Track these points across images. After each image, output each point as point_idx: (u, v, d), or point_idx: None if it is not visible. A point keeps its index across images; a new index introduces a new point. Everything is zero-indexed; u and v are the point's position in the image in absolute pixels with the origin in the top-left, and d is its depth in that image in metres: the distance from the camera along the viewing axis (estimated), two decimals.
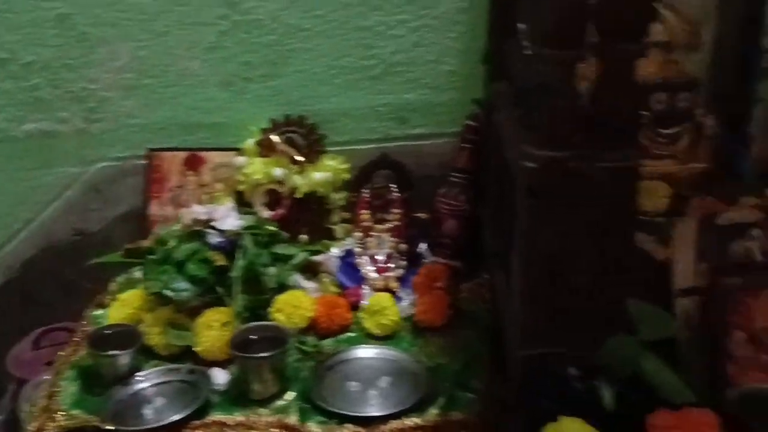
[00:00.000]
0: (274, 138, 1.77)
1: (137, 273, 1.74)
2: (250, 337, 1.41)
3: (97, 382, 1.41)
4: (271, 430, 1.28)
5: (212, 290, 1.51)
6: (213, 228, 1.54)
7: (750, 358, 1.16)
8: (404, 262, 1.74)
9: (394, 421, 1.29)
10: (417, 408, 1.31)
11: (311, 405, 1.33)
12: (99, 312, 1.64)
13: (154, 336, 1.48)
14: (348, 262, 1.75)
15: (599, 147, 1.13)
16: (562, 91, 1.10)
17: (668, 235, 1.20)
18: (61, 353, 1.53)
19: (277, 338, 1.40)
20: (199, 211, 1.55)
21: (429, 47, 1.79)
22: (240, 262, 1.51)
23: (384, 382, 1.38)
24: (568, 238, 1.17)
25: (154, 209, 1.86)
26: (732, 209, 1.17)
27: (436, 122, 1.86)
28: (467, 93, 1.81)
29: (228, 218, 1.54)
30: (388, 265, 1.73)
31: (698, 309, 1.18)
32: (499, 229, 1.55)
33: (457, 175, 1.78)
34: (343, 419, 1.29)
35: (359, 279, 1.70)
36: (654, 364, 1.04)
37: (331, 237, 1.83)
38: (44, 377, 1.60)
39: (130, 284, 1.72)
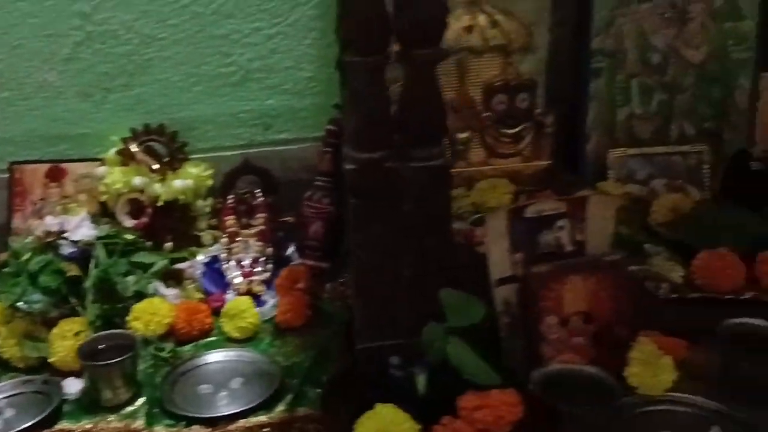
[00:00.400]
0: (133, 147, 1.78)
1: None
2: (99, 345, 1.42)
3: None
4: None
5: (67, 301, 1.52)
6: (65, 239, 1.54)
7: (562, 341, 1.25)
8: (271, 266, 1.78)
9: (241, 420, 1.32)
10: (265, 406, 1.35)
11: (161, 409, 1.36)
12: None
13: (10, 348, 1.48)
14: (214, 268, 1.77)
15: (411, 148, 1.19)
16: (371, 95, 1.17)
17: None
18: None
19: (125, 345, 1.42)
20: (51, 222, 1.56)
21: (286, 54, 1.85)
22: (93, 272, 1.52)
23: (236, 383, 1.42)
24: (391, 234, 1.24)
25: (18, 222, 1.85)
26: (538, 202, 1.26)
27: (300, 127, 1.91)
28: (328, 98, 1.87)
29: (81, 228, 1.56)
30: (255, 269, 1.77)
31: (515, 296, 1.27)
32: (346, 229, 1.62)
33: (321, 178, 1.83)
34: (191, 421, 1.32)
35: (224, 285, 1.74)
36: (459, 349, 1.11)
37: (199, 244, 1.85)
38: None
39: None
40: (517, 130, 1.74)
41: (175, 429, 1.32)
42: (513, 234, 1.27)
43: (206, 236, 1.87)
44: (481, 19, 1.71)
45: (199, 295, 1.70)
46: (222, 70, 1.85)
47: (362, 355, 1.30)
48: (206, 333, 1.60)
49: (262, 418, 1.33)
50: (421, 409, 1.11)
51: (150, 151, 1.81)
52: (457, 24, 1.69)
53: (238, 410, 1.34)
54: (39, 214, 1.85)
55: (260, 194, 1.84)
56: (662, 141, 1.78)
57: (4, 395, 1.42)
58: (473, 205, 1.69)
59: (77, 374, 1.46)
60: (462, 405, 1.09)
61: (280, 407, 1.36)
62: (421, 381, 1.13)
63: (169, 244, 1.81)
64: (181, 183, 1.79)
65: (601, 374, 1.18)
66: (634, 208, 1.63)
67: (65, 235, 1.56)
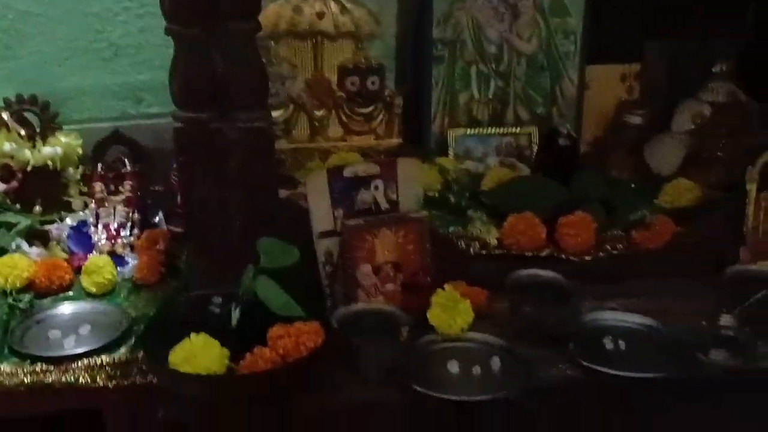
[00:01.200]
0: (5, 116, 1.88)
1: None
2: None
3: None
4: None
5: None
6: None
7: (375, 287, 1.42)
8: (137, 231, 1.89)
9: (85, 359, 1.44)
10: (109, 349, 1.47)
11: (9, 350, 1.46)
12: None
13: None
14: (81, 232, 1.88)
15: (235, 111, 1.34)
16: (194, 63, 1.30)
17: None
18: None
19: None
20: None
21: (154, 32, 1.96)
22: None
23: (84, 329, 1.53)
24: (218, 191, 1.38)
25: None
26: (355, 164, 1.42)
27: (170, 101, 2.02)
28: None
29: None
30: (120, 233, 1.88)
31: (336, 248, 1.43)
32: None
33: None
34: (35, 359, 1.43)
35: (87, 247, 1.84)
36: (267, 286, 1.26)
37: (69, 209, 1.95)
38: None
39: None
40: (369, 109, 1.91)
41: (19, 366, 1.42)
42: (333, 192, 1.43)
43: (76, 202, 1.97)
44: (333, 6, 1.87)
45: (64, 255, 1.80)
46: (94, 45, 1.96)
47: (192, 302, 1.43)
48: (66, 288, 1.70)
49: (104, 358, 1.45)
50: (236, 341, 1.25)
51: (22, 120, 1.90)
52: (310, 10, 1.84)
53: (81, 351, 1.45)
54: None
55: (128, 164, 1.95)
56: (499, 123, 1.97)
57: None
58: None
59: None
60: (270, 335, 1.24)
61: (122, 349, 1.48)
62: (234, 315, 1.27)
63: (38, 208, 1.90)
64: (50, 150, 1.89)
65: (393, 310, 1.34)
66: (468, 179, 1.81)
67: None
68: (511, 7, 1.92)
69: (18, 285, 1.64)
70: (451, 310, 1.40)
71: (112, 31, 1.95)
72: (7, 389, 1.41)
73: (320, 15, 1.83)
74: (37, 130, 1.93)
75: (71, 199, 1.97)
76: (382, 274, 1.44)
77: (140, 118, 2.04)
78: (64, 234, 1.86)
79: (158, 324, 1.38)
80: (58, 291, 1.70)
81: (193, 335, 1.22)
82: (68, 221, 1.90)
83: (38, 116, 1.94)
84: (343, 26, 1.86)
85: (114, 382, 1.44)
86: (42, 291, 1.68)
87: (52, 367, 1.43)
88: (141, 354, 1.47)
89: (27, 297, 1.64)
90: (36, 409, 1.45)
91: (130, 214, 1.91)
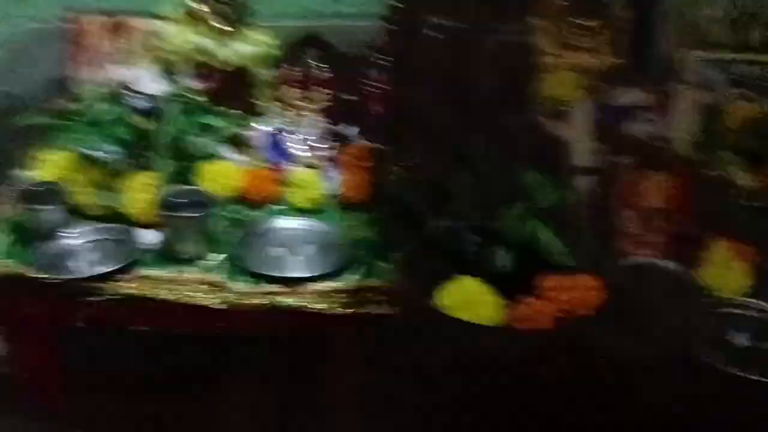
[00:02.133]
0: (201, 7, 1.75)
1: (62, 135, 1.74)
2: (178, 200, 1.45)
3: (28, 236, 1.44)
4: (199, 286, 1.35)
5: (137, 154, 1.53)
6: (137, 92, 1.54)
7: (638, 235, 1.29)
8: (333, 142, 1.78)
9: (316, 284, 1.37)
10: (337, 274, 1.39)
11: (238, 267, 1.40)
12: (27, 172, 1.64)
13: (82, 196, 1.51)
14: (275, 139, 1.78)
15: (493, 22, 1.18)
16: None
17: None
18: None
19: (201, 202, 1.45)
20: (125, 74, 1.55)
21: None
22: (167, 128, 1.53)
23: (308, 250, 1.46)
24: (466, 111, 1.24)
25: (80, 74, 1.83)
26: (626, 92, 1.26)
27: (368, 2, 1.87)
28: None
29: (151, 83, 1.55)
30: (316, 144, 1.78)
31: (595, 186, 1.30)
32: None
33: (381, 57, 1.81)
34: (269, 280, 1.37)
35: (286, 156, 1.75)
36: (540, 229, 1.15)
37: (258, 113, 1.85)
38: None
39: (50, 147, 1.72)
40: (592, 23, 1.71)
41: (252, 285, 1.36)
42: (597, 123, 1.28)
43: (267, 106, 1.86)
44: None
45: (262, 164, 1.72)
46: None
47: (434, 233, 1.33)
48: (273, 200, 1.63)
49: (336, 284, 1.38)
50: (499, 284, 1.15)
51: (217, 12, 1.77)
52: None
53: (314, 274, 1.38)
54: (101, 68, 1.84)
55: (325, 69, 1.83)
56: (739, 48, 1.74)
57: (85, 240, 1.46)
58: (542, 97, 1.68)
59: (149, 226, 1.50)
60: (545, 285, 1.13)
61: (352, 277, 1.40)
62: (501, 257, 1.17)
63: (233, 111, 1.81)
64: (250, 49, 1.77)
65: (681, 270, 1.22)
66: (707, 113, 1.62)
67: (136, 87, 1.54)
68: None
69: (228, 194, 1.57)
70: (727, 271, 1.26)
71: None
72: (242, 308, 1.35)
73: None
74: (230, 24, 1.80)
75: (261, 103, 1.87)
76: (648, 220, 1.31)
77: (333, 18, 1.89)
78: (261, 140, 1.77)
79: (407, 258, 1.28)
80: (266, 203, 1.62)
81: (464, 278, 1.13)
82: (264, 127, 1.80)
83: (232, 9, 1.80)
84: None
85: (349, 310, 1.37)
86: (251, 201, 1.61)
87: (285, 289, 1.37)
88: (372, 282, 1.39)
89: (239, 208, 1.57)
90: (268, 330, 1.40)
91: (327, 125, 1.81)
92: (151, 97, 1.54)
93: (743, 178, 1.44)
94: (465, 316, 1.10)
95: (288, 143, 1.77)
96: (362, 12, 1.88)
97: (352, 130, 1.83)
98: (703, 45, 1.72)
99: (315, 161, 1.74)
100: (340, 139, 1.80)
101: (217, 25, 1.77)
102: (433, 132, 1.39)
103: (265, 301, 1.34)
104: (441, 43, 1.23)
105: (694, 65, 1.69)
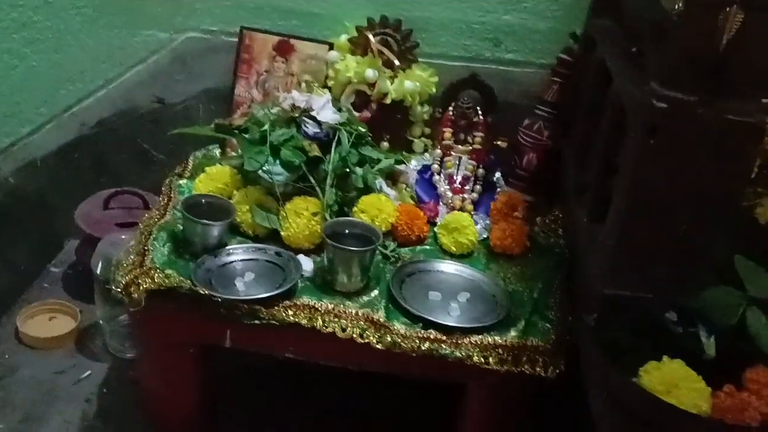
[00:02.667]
0: (372, 38, 1.76)
1: (215, 149, 1.76)
2: (342, 230, 1.44)
3: (187, 248, 1.45)
4: (360, 322, 1.33)
5: (301, 179, 1.53)
6: (311, 118, 1.55)
7: None
8: (479, 187, 1.76)
9: (475, 336, 1.33)
10: (496, 327, 1.35)
11: (395, 305, 1.38)
12: (182, 182, 1.66)
13: (241, 214, 1.51)
14: (424, 177, 1.77)
15: (728, 98, 1.13)
16: (700, 34, 1.10)
17: None
18: (148, 215, 1.56)
19: (365, 236, 1.44)
20: (298, 98, 1.56)
21: None
22: (335, 156, 1.53)
23: (463, 297, 1.42)
24: (678, 184, 1.19)
25: (240, 90, 1.86)
26: None
27: (530, 50, 1.86)
28: (565, 25, 1.80)
29: (326, 110, 1.55)
30: (464, 186, 1.76)
31: None
32: (583, 165, 1.58)
33: (543, 108, 1.79)
34: (427, 324, 1.34)
35: (434, 195, 1.73)
36: (758, 318, 1.08)
37: (409, 149, 1.84)
38: (121, 236, 1.65)
39: (208, 159, 1.75)
40: None
41: (412, 329, 1.34)
42: None
43: (418, 143, 1.86)
44: None
45: (411, 201, 1.70)
46: None
47: (611, 301, 1.28)
48: (422, 240, 1.61)
49: (495, 339, 1.34)
50: (700, 370, 1.09)
51: (386, 46, 1.78)
52: None
53: (474, 325, 1.35)
54: (263, 86, 1.86)
55: (481, 112, 1.81)
56: None
57: (240, 258, 1.46)
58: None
59: (304, 252, 1.50)
60: (752, 377, 1.07)
61: (513, 333, 1.36)
62: (709, 344, 1.11)
63: (385, 144, 1.80)
64: (411, 84, 1.76)
65: None
66: None
67: (311, 113, 1.55)
68: None
69: (383, 229, 1.55)
70: None
71: None
72: (399, 350, 1.32)
73: None
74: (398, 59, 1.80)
75: (413, 139, 1.86)
76: None
77: (493, 62, 1.87)
78: (412, 177, 1.76)
79: (594, 326, 1.23)
80: (415, 242, 1.60)
81: (670, 360, 1.07)
82: (412, 163, 1.79)
83: (397, 44, 1.81)
84: None
85: (504, 367, 1.33)
86: (402, 239, 1.59)
87: (444, 338, 1.33)
88: (532, 341, 1.35)
89: (392, 245, 1.55)
90: (420, 374, 1.37)
91: (477, 169, 1.78)
92: (324, 124, 1.53)
93: None
94: (671, 399, 1.04)
95: (437, 182, 1.76)
96: (526, 60, 1.86)
97: (497, 178, 1.80)
98: None
99: (463, 204, 1.71)
100: (489, 184, 1.78)
101: (383, 58, 1.78)
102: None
103: (423, 346, 1.31)
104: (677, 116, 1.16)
105: None
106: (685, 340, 1.13)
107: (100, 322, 1.75)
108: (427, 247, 1.60)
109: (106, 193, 1.91)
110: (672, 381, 1.04)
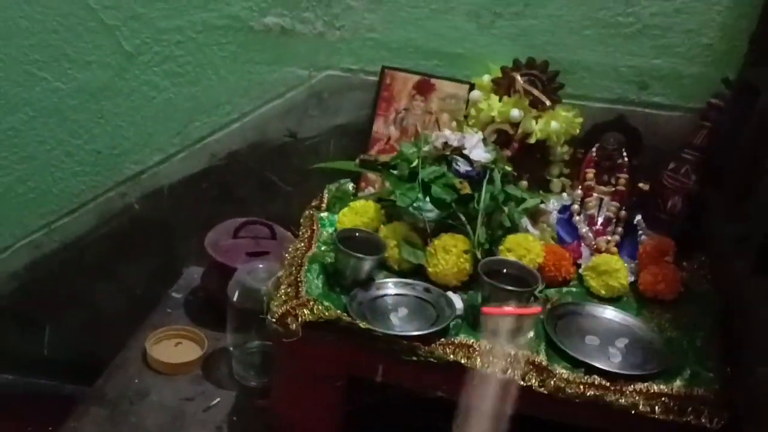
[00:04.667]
0: (518, 78, 1.75)
1: (348, 184, 1.77)
2: (496, 269, 1.41)
3: (338, 281, 1.44)
4: (520, 364, 1.29)
5: (450, 216, 1.51)
6: (462, 156, 1.54)
7: None
8: (620, 229, 1.71)
9: (639, 383, 1.28)
10: (661, 376, 1.30)
11: (553, 349, 1.33)
12: (323, 215, 1.67)
13: (389, 249, 1.50)
14: (563, 218, 1.74)
15: None
16: None
17: None
18: (293, 246, 1.56)
19: (521, 277, 1.40)
20: (450, 137, 1.55)
21: (691, 15, 1.74)
22: (486, 194, 1.51)
23: (621, 342, 1.37)
24: None
25: (378, 126, 1.87)
26: None
27: (678, 94, 1.81)
28: (718, 70, 1.76)
29: (477, 149, 1.54)
30: (606, 228, 1.71)
31: None
32: (744, 214, 1.52)
33: (689, 152, 1.74)
34: (589, 370, 1.29)
35: (576, 237, 1.69)
36: None
37: (548, 189, 1.81)
38: (258, 265, 1.66)
39: (343, 193, 1.75)
40: None
41: (574, 374, 1.29)
42: None
43: (556, 183, 1.82)
44: None
45: (552, 241, 1.66)
46: (620, 19, 1.76)
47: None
48: (567, 282, 1.57)
49: (661, 387, 1.28)
50: None
51: (532, 86, 1.76)
52: None
53: (638, 372, 1.29)
54: (400, 124, 1.87)
55: (625, 154, 1.76)
56: None
57: (391, 292, 1.44)
58: None
59: (452, 289, 1.47)
60: None
61: (678, 381, 1.30)
62: None
63: (524, 183, 1.78)
64: (554, 124, 1.74)
65: None
66: None
67: (463, 152, 1.53)
68: None
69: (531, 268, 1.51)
70: None
71: (644, 6, 1.74)
72: (561, 396, 1.27)
73: None
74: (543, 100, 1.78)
75: (552, 179, 1.82)
76: None
77: (638, 105, 1.83)
78: (553, 217, 1.72)
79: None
80: (560, 283, 1.56)
81: None
82: (555, 203, 1.76)
83: (543, 84, 1.79)
84: None
85: (670, 416, 1.26)
86: (548, 280, 1.55)
87: (608, 384, 1.28)
88: (697, 391, 1.28)
89: (540, 286, 1.51)
90: (584, 422, 1.31)
91: (619, 211, 1.73)
92: (476, 162, 1.52)
93: None
94: None
95: (578, 223, 1.72)
96: (673, 104, 1.82)
97: (638, 221, 1.75)
98: None
99: (606, 246, 1.67)
100: (630, 227, 1.73)
101: (529, 98, 1.76)
102: None
103: (588, 392, 1.25)
104: None
105: None
106: None
107: (230, 348, 1.75)
108: (573, 289, 1.56)
109: (235, 222, 1.94)
110: None
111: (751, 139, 1.56)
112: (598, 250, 1.66)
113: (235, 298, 1.66)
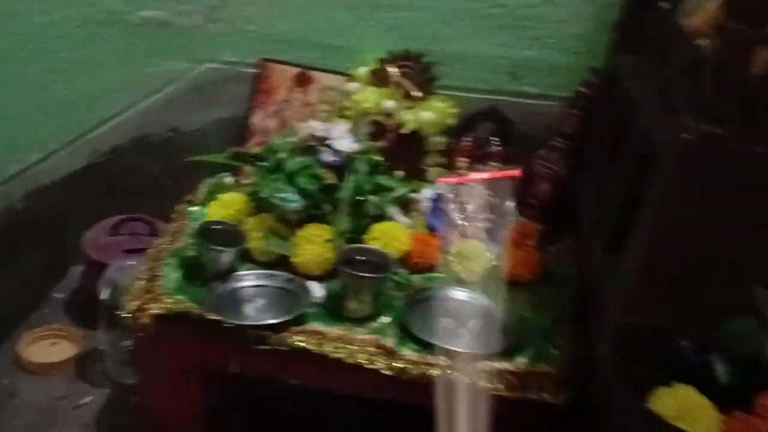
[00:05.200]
0: (392, 69, 1.77)
1: (227, 177, 1.77)
2: (355, 257, 1.42)
3: (198, 274, 1.44)
4: (368, 348, 1.30)
5: (315, 206, 1.53)
6: (328, 146, 1.55)
7: None
8: (493, 216, 1.74)
9: (484, 362, 1.30)
10: (506, 354, 1.33)
11: (405, 332, 1.35)
12: (194, 209, 1.66)
13: (254, 240, 1.50)
14: (437, 206, 1.76)
15: (761, 132, 1.11)
16: (734, 69, 1.09)
17: None
18: (157, 241, 1.55)
19: (378, 263, 1.42)
20: (316, 127, 1.56)
21: (560, 7, 1.79)
22: (350, 184, 1.52)
23: (474, 324, 1.40)
24: (705, 218, 1.17)
25: (257, 119, 1.87)
26: None
27: (550, 84, 1.85)
28: (586, 60, 1.80)
29: (344, 139, 1.55)
30: (478, 215, 1.74)
31: None
32: (602, 197, 1.56)
33: (560, 139, 1.78)
34: (435, 350, 1.31)
35: (447, 223, 1.71)
36: None
37: (424, 178, 1.84)
38: (129, 262, 1.65)
39: (220, 187, 1.75)
40: None
41: (421, 355, 1.31)
42: None
43: (433, 172, 1.84)
44: None
45: (423, 229, 1.69)
46: (492, 10, 1.80)
47: (627, 330, 1.25)
48: (433, 268, 1.59)
49: (505, 365, 1.31)
50: (713, 397, 1.06)
51: (405, 77, 1.78)
52: None
53: (482, 352, 1.32)
54: (279, 116, 1.87)
55: (497, 142, 1.80)
56: None
57: (251, 284, 1.45)
58: None
59: (315, 279, 1.48)
60: (764, 403, 1.03)
61: (521, 359, 1.33)
62: (722, 370, 1.08)
63: (400, 173, 1.80)
64: (428, 115, 1.76)
65: None
66: None
67: (328, 142, 1.55)
68: None
69: (396, 256, 1.53)
70: None
71: None
72: (408, 377, 1.30)
73: None
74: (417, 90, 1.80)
75: (428, 169, 1.85)
76: None
77: (512, 95, 1.87)
78: (424, 205, 1.74)
79: (606, 351, 1.20)
80: (426, 269, 1.58)
81: (681, 386, 1.04)
82: (426, 192, 1.78)
83: (419, 76, 1.81)
84: None
85: (514, 393, 1.30)
86: (414, 266, 1.57)
87: (454, 363, 1.30)
88: (541, 368, 1.32)
89: (402, 271, 1.53)
90: (421, 400, 1.33)
91: (490, 198, 1.77)
92: (341, 152, 1.53)
93: None
94: (682, 425, 1.01)
95: (450, 211, 1.74)
96: (545, 93, 1.86)
97: (514, 206, 1.78)
98: None
99: (476, 232, 1.69)
100: (501, 213, 1.76)
101: (405, 87, 1.78)
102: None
103: (433, 372, 1.28)
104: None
105: None
106: (700, 368, 1.09)
107: (103, 347, 1.74)
108: (440, 274, 1.58)
109: (114, 219, 1.92)
110: (683, 407, 1.01)
111: (609, 125, 1.61)
112: (468, 237, 1.69)
113: (105, 296, 1.64)
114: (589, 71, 1.79)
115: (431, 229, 1.70)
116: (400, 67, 1.79)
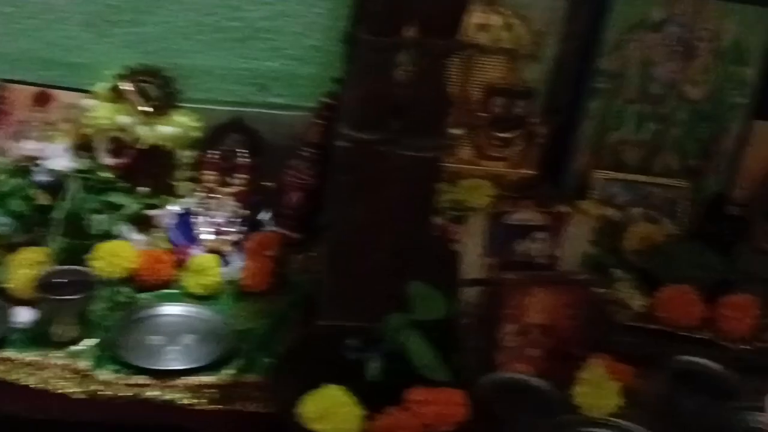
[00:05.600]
0: (125, 86, 1.76)
1: None
2: (59, 279, 1.40)
3: None
4: (61, 372, 1.29)
5: (27, 229, 1.50)
6: (40, 166, 1.52)
7: (516, 350, 1.26)
8: (243, 228, 1.76)
9: (189, 377, 1.31)
10: (214, 367, 1.34)
11: (109, 354, 1.35)
12: None
13: None
14: (185, 221, 1.76)
15: (406, 135, 1.18)
16: (377, 76, 1.15)
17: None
18: None
19: (84, 282, 1.41)
20: (29, 147, 1.53)
21: (295, 18, 1.82)
22: (64, 204, 1.50)
23: (188, 339, 1.41)
24: (371, 217, 1.23)
25: None
26: (521, 210, 1.26)
27: (296, 94, 1.89)
28: (329, 70, 1.84)
29: (59, 158, 1.53)
30: (226, 228, 1.76)
31: (479, 299, 1.28)
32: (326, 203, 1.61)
33: (307, 149, 1.82)
34: (139, 371, 1.31)
35: (192, 239, 1.72)
36: (417, 342, 1.11)
37: (174, 194, 1.83)
38: None
39: None
40: (509, 135, 1.74)
41: (119, 376, 1.31)
42: (490, 238, 1.27)
43: (183, 187, 1.84)
44: (496, 20, 1.69)
45: (166, 245, 1.69)
46: (229, 23, 1.82)
47: (321, 332, 1.30)
48: (167, 284, 1.59)
49: (208, 378, 1.33)
50: (370, 394, 1.11)
51: (142, 93, 1.78)
52: (471, 20, 1.67)
53: (185, 367, 1.33)
54: (18, 137, 1.82)
55: (245, 154, 1.82)
56: (646, 170, 1.79)
57: None
58: (453, 202, 1.69)
59: (31, 304, 1.45)
60: (409, 397, 1.09)
61: (228, 371, 1.35)
62: (372, 366, 1.13)
63: (144, 189, 1.79)
64: (168, 129, 1.76)
65: (549, 388, 1.19)
66: (608, 231, 1.64)
67: (41, 162, 1.52)
68: (686, 47, 1.73)
69: (119, 275, 1.53)
70: (600, 389, 1.24)
71: (250, 10, 1.80)
72: (104, 398, 1.29)
73: (482, 27, 1.66)
74: (154, 104, 1.80)
75: (178, 184, 1.85)
76: (529, 336, 1.28)
77: (261, 106, 1.90)
78: (168, 221, 1.74)
79: (288, 356, 1.24)
80: (158, 286, 1.58)
81: (329, 387, 1.09)
82: (172, 208, 1.78)
83: (158, 91, 1.81)
84: (502, 42, 1.69)
85: (217, 406, 1.31)
86: (142, 284, 1.56)
87: (154, 381, 1.31)
88: (248, 378, 1.35)
89: (127, 290, 1.52)
90: (131, 420, 1.33)
91: (239, 210, 1.79)
92: (55, 171, 1.51)
93: (633, 299, 1.43)
94: (322, 426, 1.05)
95: (196, 226, 1.75)
96: (293, 104, 1.89)
97: (266, 217, 1.81)
98: (613, 165, 1.76)
99: (220, 246, 1.71)
100: (252, 225, 1.78)
101: (139, 103, 1.77)
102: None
103: (129, 393, 1.28)
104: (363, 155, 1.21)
105: (602, 184, 1.72)
106: (357, 365, 1.14)
107: None
108: (172, 291, 1.58)
109: None
110: (326, 407, 1.05)
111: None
112: (211, 250, 1.70)
113: None
114: (332, 81, 1.84)
115: (174, 245, 1.70)
116: (137, 82, 1.78)
